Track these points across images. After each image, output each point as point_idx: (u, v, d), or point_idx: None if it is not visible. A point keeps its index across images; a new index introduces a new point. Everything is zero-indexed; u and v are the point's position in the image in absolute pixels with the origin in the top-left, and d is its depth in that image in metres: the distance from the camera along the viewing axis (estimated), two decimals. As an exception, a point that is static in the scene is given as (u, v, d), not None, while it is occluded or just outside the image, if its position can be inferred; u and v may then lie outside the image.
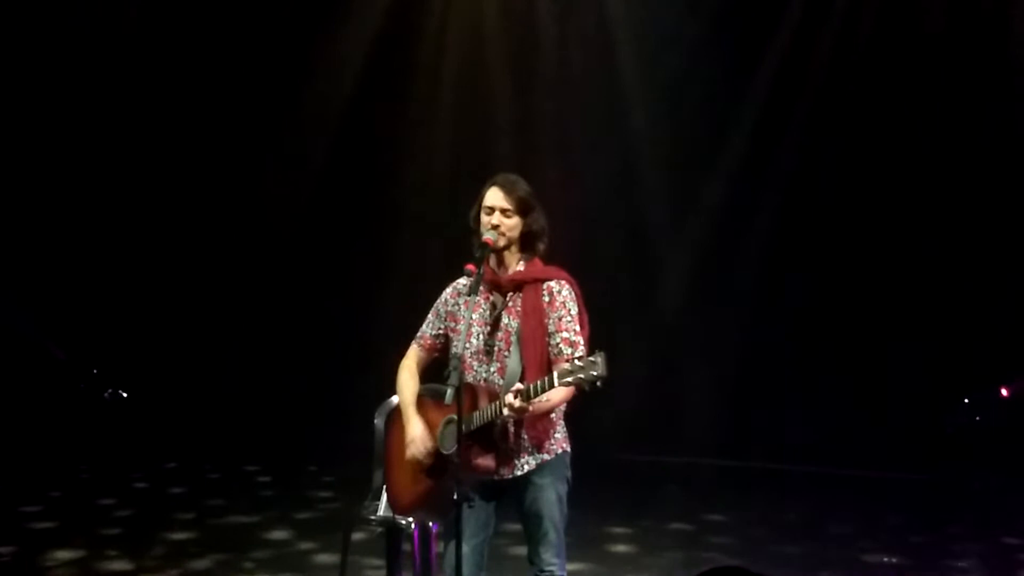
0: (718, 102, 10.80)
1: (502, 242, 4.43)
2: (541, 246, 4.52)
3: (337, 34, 11.59)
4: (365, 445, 5.53)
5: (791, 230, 10.75)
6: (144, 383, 11.69)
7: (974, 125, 10.23)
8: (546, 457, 4.44)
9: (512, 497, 4.50)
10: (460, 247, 4.69)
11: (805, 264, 10.65)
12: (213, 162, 11.75)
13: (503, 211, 4.43)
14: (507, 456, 4.39)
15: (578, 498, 4.58)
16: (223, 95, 11.60)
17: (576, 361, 4.05)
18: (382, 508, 5.24)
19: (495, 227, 4.41)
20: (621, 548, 7.66)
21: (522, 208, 4.45)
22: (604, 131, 11.13)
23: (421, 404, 4.56)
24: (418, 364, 4.68)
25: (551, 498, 4.43)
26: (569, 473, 4.52)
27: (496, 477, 4.40)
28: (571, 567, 4.82)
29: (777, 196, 10.78)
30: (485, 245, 4.40)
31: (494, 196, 4.46)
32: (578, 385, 4.03)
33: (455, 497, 4.09)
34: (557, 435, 4.49)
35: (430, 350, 4.67)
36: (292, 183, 11.86)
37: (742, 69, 10.77)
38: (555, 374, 4.07)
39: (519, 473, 4.42)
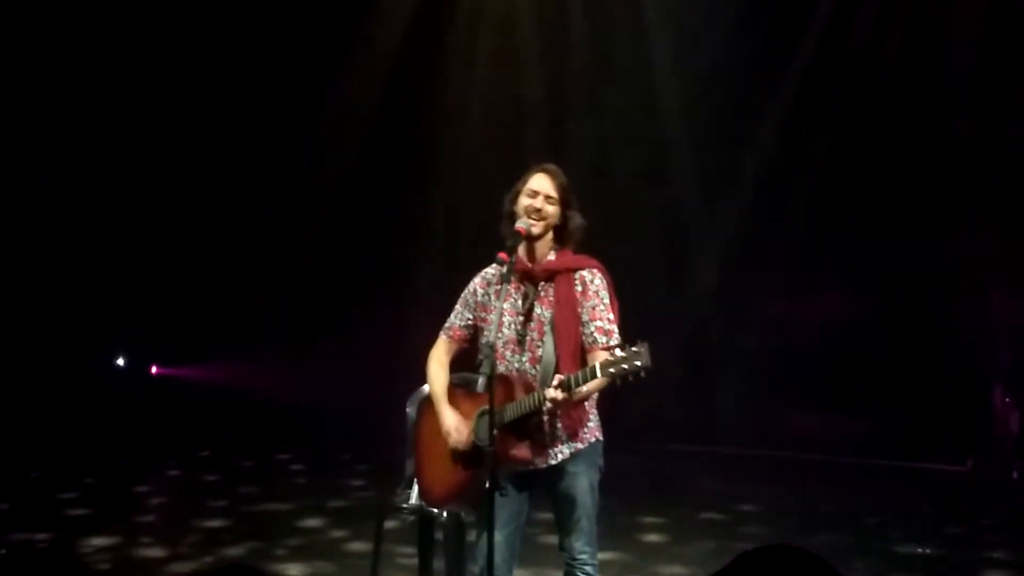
0: (753, 89, 10.73)
1: (536, 229, 4.41)
2: (572, 242, 4.51)
3: (369, 23, 11.62)
4: (398, 433, 5.55)
5: (826, 220, 10.67)
6: (178, 371, 11.79)
7: (1011, 113, 10.08)
8: (580, 446, 4.43)
9: (545, 485, 4.49)
10: (490, 236, 4.68)
11: (840, 254, 10.57)
12: (247, 150, 11.83)
13: (548, 197, 4.42)
14: (542, 446, 4.39)
15: (610, 487, 4.57)
16: (258, 84, 11.67)
17: (618, 351, 4.05)
18: (414, 496, 5.25)
19: (537, 211, 4.40)
20: (653, 537, 7.65)
21: (564, 199, 4.45)
22: (636, 118, 11.07)
23: (452, 395, 4.56)
24: (447, 355, 4.67)
25: (584, 486, 4.42)
26: (601, 461, 4.51)
27: (531, 467, 4.40)
28: (603, 556, 4.82)
29: (810, 186, 10.70)
30: (518, 234, 4.38)
31: (541, 181, 4.45)
32: (622, 376, 4.03)
33: (487, 485, 4.10)
34: (590, 424, 4.48)
35: (460, 341, 4.66)
36: (324, 176, 11.94)
37: (777, 54, 10.69)
38: (598, 365, 4.06)
39: (553, 462, 4.41)
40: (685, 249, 11.20)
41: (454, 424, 4.45)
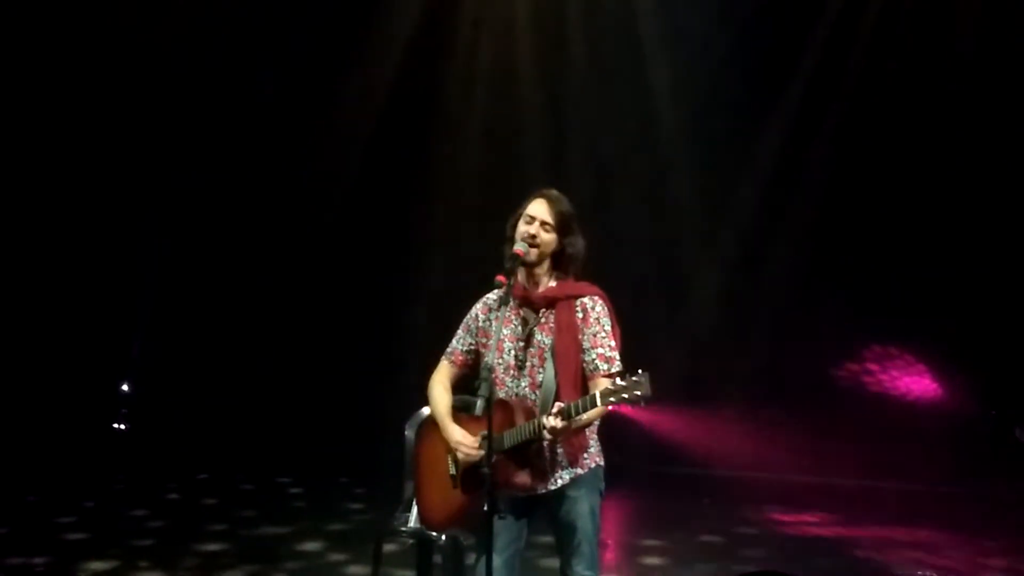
0: (749, 112, 10.76)
1: (533, 255, 4.41)
2: (573, 269, 4.49)
3: (368, 48, 11.67)
4: (396, 457, 5.54)
5: (823, 240, 10.69)
6: (179, 394, 11.77)
7: (1009, 133, 10.12)
8: (580, 471, 4.42)
9: (545, 510, 4.48)
10: (490, 261, 4.67)
11: (838, 277, 10.59)
12: (247, 171, 11.85)
13: (543, 223, 4.42)
14: (542, 471, 4.38)
15: (611, 511, 4.56)
16: (259, 105, 11.71)
17: (619, 380, 4.04)
18: (413, 520, 5.24)
19: (532, 237, 4.40)
20: (653, 560, 7.62)
21: (562, 226, 4.43)
22: (634, 143, 11.12)
23: (455, 419, 4.54)
24: (449, 379, 4.65)
25: (584, 510, 4.40)
26: (602, 486, 4.49)
27: (531, 492, 4.39)
28: (603, 580, 4.80)
29: (808, 207, 10.73)
30: (516, 257, 4.38)
31: (538, 207, 4.45)
32: (622, 405, 4.02)
33: (485, 508, 4.08)
34: (591, 449, 4.47)
35: (461, 366, 4.65)
36: (323, 198, 11.96)
37: (773, 78, 10.73)
38: (598, 393, 4.05)
39: (553, 487, 4.40)
40: (683, 270, 11.20)
41: (460, 436, 4.42)
